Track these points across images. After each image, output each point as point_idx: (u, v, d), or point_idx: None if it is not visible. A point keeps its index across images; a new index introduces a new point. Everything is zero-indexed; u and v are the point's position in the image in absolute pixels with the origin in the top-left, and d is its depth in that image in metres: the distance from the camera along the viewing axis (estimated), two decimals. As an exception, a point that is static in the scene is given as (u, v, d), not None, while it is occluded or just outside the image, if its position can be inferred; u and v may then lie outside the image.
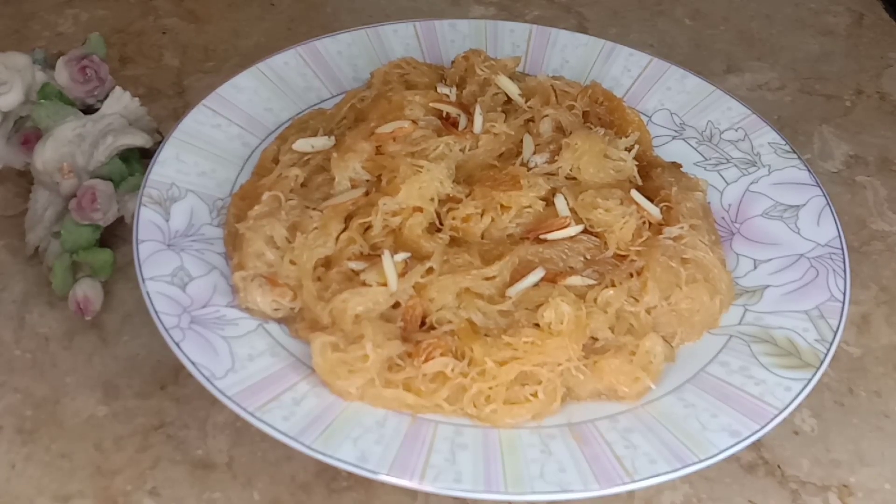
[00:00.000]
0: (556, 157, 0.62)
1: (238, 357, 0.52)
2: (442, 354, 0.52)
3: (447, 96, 0.66)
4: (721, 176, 0.67)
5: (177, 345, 0.51)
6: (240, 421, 0.54)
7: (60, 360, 0.59)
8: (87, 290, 0.60)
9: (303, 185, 0.61)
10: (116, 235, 0.64)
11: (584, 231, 0.59)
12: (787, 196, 0.64)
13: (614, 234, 0.59)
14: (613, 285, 0.56)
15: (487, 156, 0.63)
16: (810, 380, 0.53)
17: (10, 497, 0.52)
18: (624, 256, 0.58)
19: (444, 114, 0.64)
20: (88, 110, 0.67)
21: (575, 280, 0.56)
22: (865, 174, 0.77)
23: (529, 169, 0.62)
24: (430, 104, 0.65)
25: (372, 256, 0.56)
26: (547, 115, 0.65)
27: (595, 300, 0.55)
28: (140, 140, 0.65)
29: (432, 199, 0.59)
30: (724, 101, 0.71)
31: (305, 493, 0.54)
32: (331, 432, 0.49)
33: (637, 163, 0.64)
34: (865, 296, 0.67)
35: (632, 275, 0.57)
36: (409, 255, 0.56)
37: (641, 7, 0.92)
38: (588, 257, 0.59)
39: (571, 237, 0.59)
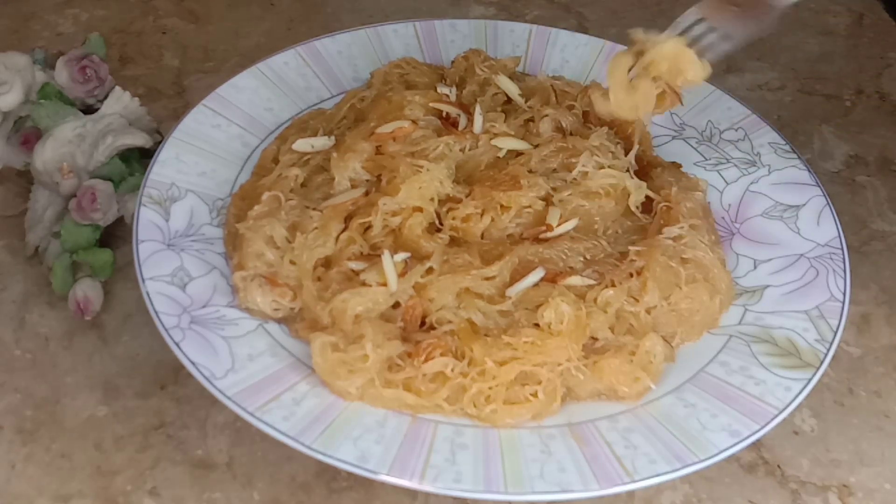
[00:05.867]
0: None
1: (238, 357, 0.52)
2: (442, 354, 0.52)
3: (447, 96, 0.66)
4: (721, 176, 0.67)
5: (177, 345, 0.51)
6: (240, 421, 0.54)
7: (60, 360, 0.59)
8: (87, 290, 0.60)
9: (303, 185, 0.61)
10: (116, 235, 0.64)
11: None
12: (787, 196, 0.64)
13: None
14: (613, 285, 0.56)
15: (487, 156, 0.63)
16: (810, 380, 0.53)
17: (10, 497, 0.52)
18: (624, 256, 0.58)
19: (444, 114, 0.64)
20: (88, 110, 0.67)
21: (575, 280, 0.56)
22: (865, 174, 0.77)
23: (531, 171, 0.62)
24: (430, 104, 0.65)
25: (372, 256, 0.56)
26: (547, 115, 0.65)
27: (595, 300, 0.55)
28: (140, 140, 0.65)
29: (432, 199, 0.59)
30: (724, 101, 0.71)
31: (305, 493, 0.54)
32: (331, 432, 0.49)
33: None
34: (865, 296, 0.67)
35: (632, 275, 0.57)
36: (409, 255, 0.56)
37: (641, 7, 0.92)
38: (588, 257, 0.59)
39: (571, 237, 0.59)
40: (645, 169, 0.65)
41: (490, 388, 0.52)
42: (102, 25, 0.84)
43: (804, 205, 0.64)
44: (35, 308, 0.62)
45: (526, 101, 0.67)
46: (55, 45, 0.80)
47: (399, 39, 0.73)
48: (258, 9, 0.88)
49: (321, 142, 0.64)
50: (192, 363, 0.50)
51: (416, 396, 0.51)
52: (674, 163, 0.66)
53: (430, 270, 0.55)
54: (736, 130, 0.69)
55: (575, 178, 0.62)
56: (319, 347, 0.52)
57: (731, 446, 0.50)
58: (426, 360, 0.52)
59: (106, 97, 0.67)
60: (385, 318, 0.54)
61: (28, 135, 0.65)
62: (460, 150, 0.62)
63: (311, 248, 0.56)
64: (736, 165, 0.67)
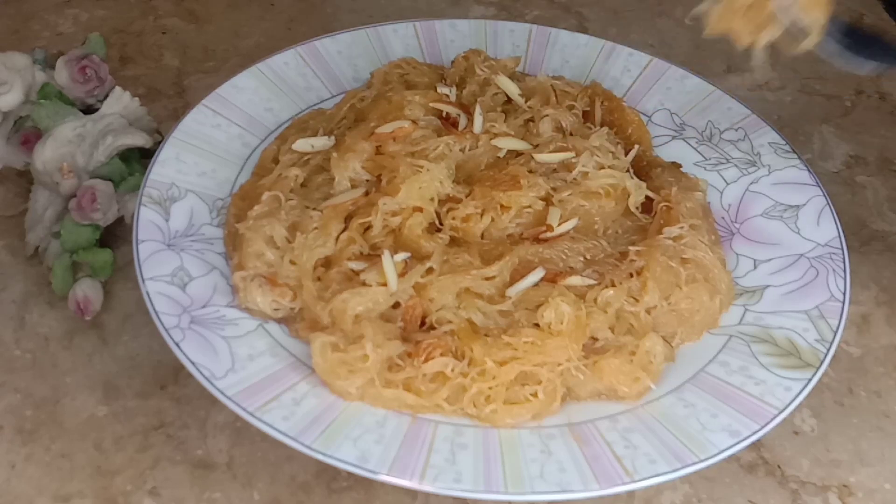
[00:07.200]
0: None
1: (238, 357, 0.52)
2: (442, 354, 0.52)
3: (447, 96, 0.66)
4: (721, 176, 0.67)
5: (177, 345, 0.51)
6: (240, 421, 0.54)
7: (60, 360, 0.59)
8: (87, 290, 0.60)
9: (303, 185, 0.61)
10: (116, 235, 0.64)
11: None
12: (787, 196, 0.64)
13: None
14: (613, 285, 0.56)
15: (487, 156, 0.63)
16: (810, 380, 0.53)
17: (10, 497, 0.52)
18: (624, 256, 0.58)
19: (444, 114, 0.64)
20: (88, 110, 0.67)
21: (575, 280, 0.56)
22: (865, 174, 0.77)
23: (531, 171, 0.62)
24: (430, 104, 0.65)
25: (372, 256, 0.56)
26: (547, 115, 0.65)
27: (595, 300, 0.55)
28: (140, 140, 0.65)
29: (432, 199, 0.59)
30: (724, 101, 0.71)
31: (305, 493, 0.54)
32: (331, 432, 0.49)
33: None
34: (865, 296, 0.67)
35: (632, 275, 0.57)
36: (409, 255, 0.56)
37: (641, 7, 0.92)
38: (588, 257, 0.59)
39: (571, 237, 0.59)
40: (645, 169, 0.65)
41: (490, 388, 0.52)
42: (102, 25, 0.84)
43: (804, 205, 0.64)
44: (35, 308, 0.62)
45: (526, 101, 0.67)
46: (55, 45, 0.80)
47: (399, 39, 0.73)
48: (258, 9, 0.88)
49: (321, 142, 0.64)
50: (192, 363, 0.50)
51: (416, 396, 0.51)
52: (674, 163, 0.66)
53: (430, 270, 0.55)
54: (736, 130, 0.69)
55: (575, 178, 0.62)
56: (319, 347, 0.52)
57: (731, 446, 0.50)
58: (426, 360, 0.52)
59: (106, 97, 0.67)
60: (385, 318, 0.54)
61: (28, 135, 0.65)
62: (460, 150, 0.62)
63: (311, 248, 0.56)
64: (736, 165, 0.67)
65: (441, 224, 0.60)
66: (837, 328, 0.56)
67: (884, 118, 0.82)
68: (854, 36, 0.53)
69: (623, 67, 0.73)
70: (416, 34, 0.74)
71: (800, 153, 0.67)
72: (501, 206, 0.59)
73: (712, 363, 0.55)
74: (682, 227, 0.59)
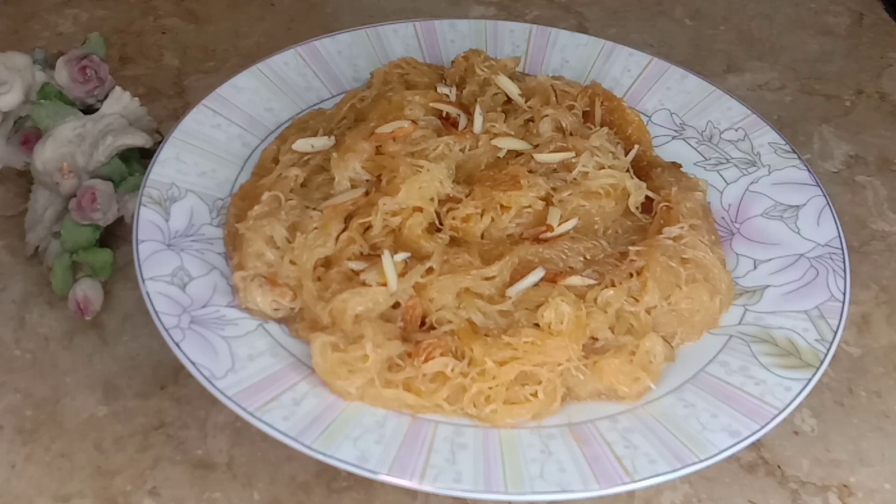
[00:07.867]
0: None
1: (238, 357, 0.52)
2: (442, 354, 0.52)
3: (447, 96, 0.66)
4: (721, 176, 0.67)
5: (177, 345, 0.51)
6: (240, 421, 0.54)
7: (60, 360, 0.59)
8: (87, 290, 0.60)
9: (303, 185, 0.61)
10: (116, 235, 0.64)
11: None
12: (787, 196, 0.64)
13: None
14: (613, 285, 0.56)
15: (487, 156, 0.63)
16: (810, 380, 0.53)
17: (10, 497, 0.52)
18: (624, 256, 0.58)
19: (444, 114, 0.64)
20: (88, 110, 0.67)
21: (575, 280, 0.56)
22: (865, 174, 0.77)
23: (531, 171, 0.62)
24: (430, 104, 0.65)
25: (372, 256, 0.56)
26: (547, 115, 0.65)
27: (595, 300, 0.55)
28: (140, 140, 0.65)
29: (432, 199, 0.59)
30: (724, 101, 0.71)
31: (305, 493, 0.54)
32: (331, 432, 0.49)
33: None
34: (865, 296, 0.67)
35: (632, 275, 0.57)
36: (409, 255, 0.56)
37: (641, 7, 0.92)
38: (588, 257, 0.59)
39: (571, 237, 0.59)
40: (645, 169, 0.65)
41: (490, 388, 0.52)
42: (102, 25, 0.84)
43: (804, 205, 0.64)
44: (35, 308, 0.62)
45: (526, 101, 0.67)
46: (55, 45, 0.80)
47: (399, 39, 0.73)
48: (258, 9, 0.88)
49: (321, 142, 0.64)
50: (192, 363, 0.50)
51: (416, 396, 0.51)
52: (674, 163, 0.66)
53: (430, 270, 0.55)
54: (736, 130, 0.69)
55: (575, 179, 0.62)
56: (319, 347, 0.52)
57: (731, 446, 0.50)
58: (426, 360, 0.52)
59: (106, 97, 0.67)
60: (385, 318, 0.54)
61: (28, 135, 0.65)
62: (460, 150, 0.62)
63: (311, 248, 0.56)
64: (736, 165, 0.67)
65: (441, 224, 0.60)
66: (837, 328, 0.56)
67: (884, 118, 0.82)
68: None
69: (623, 67, 0.73)
70: (416, 34, 0.74)
71: (800, 153, 0.67)
72: (501, 206, 0.59)
73: (712, 363, 0.55)
74: (682, 227, 0.59)
